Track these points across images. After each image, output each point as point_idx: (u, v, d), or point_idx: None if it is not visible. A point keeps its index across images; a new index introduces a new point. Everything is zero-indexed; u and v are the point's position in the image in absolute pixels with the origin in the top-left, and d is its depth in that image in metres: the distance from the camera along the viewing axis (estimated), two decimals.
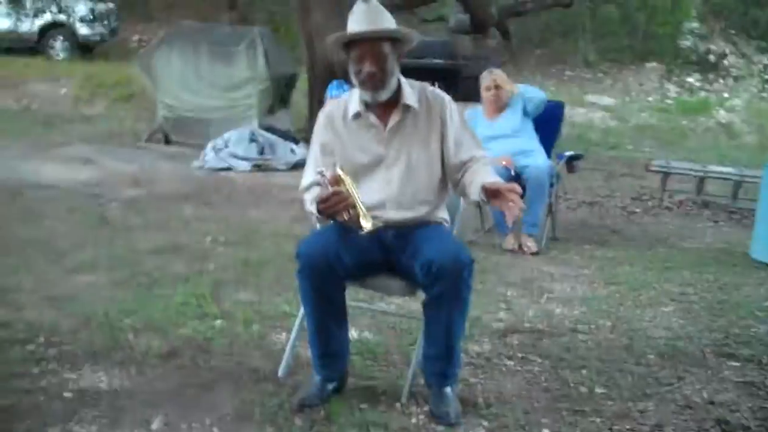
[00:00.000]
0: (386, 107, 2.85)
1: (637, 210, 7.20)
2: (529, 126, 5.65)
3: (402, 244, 2.82)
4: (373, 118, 2.86)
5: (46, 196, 6.39)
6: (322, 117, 2.97)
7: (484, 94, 5.73)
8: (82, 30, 15.80)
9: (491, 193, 2.62)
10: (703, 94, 17.92)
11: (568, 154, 5.78)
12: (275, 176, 8.01)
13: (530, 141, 5.60)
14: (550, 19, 18.78)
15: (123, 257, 4.72)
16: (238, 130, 8.64)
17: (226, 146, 8.38)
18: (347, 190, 2.58)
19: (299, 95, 10.71)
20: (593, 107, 19.03)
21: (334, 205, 2.56)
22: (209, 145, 8.45)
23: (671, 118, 18.78)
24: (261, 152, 8.49)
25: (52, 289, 4.05)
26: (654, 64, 19.25)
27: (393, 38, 2.80)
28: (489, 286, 4.47)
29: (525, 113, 5.61)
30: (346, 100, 2.95)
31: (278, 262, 4.68)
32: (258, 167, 8.27)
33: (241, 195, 7.09)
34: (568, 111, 19.34)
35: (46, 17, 14.19)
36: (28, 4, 12.70)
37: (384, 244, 2.84)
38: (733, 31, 15.88)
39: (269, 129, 9.08)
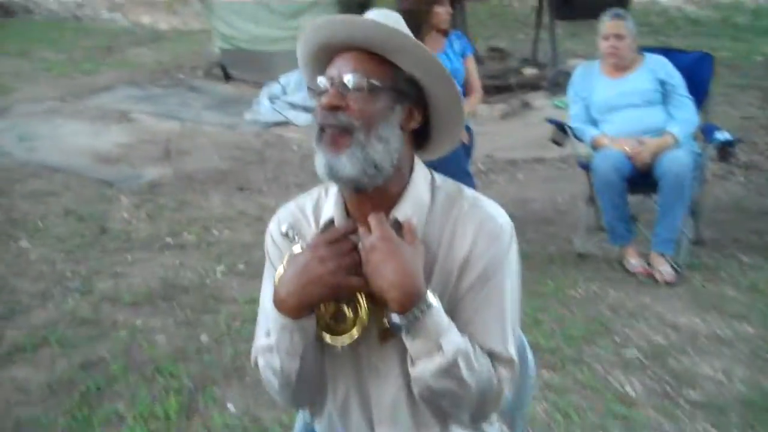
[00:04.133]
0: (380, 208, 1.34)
1: None
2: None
3: None
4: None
5: (44, 189, 5.19)
6: (271, 235, 1.48)
7: (601, 45, 4.05)
8: None
9: None
10: None
11: (721, 137, 3.93)
12: None
13: (668, 117, 3.91)
14: None
15: (87, 320, 3.44)
16: (298, 70, 7.09)
17: (284, 93, 6.93)
18: None
19: None
20: None
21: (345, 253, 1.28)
22: (264, 92, 7.03)
23: None
24: None
25: None
26: None
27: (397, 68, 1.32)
28: (600, 372, 2.97)
29: (662, 83, 3.92)
30: (316, 199, 1.47)
31: None
32: None
33: (292, 169, 5.69)
34: None
35: None
36: None
37: None
38: None
39: None
